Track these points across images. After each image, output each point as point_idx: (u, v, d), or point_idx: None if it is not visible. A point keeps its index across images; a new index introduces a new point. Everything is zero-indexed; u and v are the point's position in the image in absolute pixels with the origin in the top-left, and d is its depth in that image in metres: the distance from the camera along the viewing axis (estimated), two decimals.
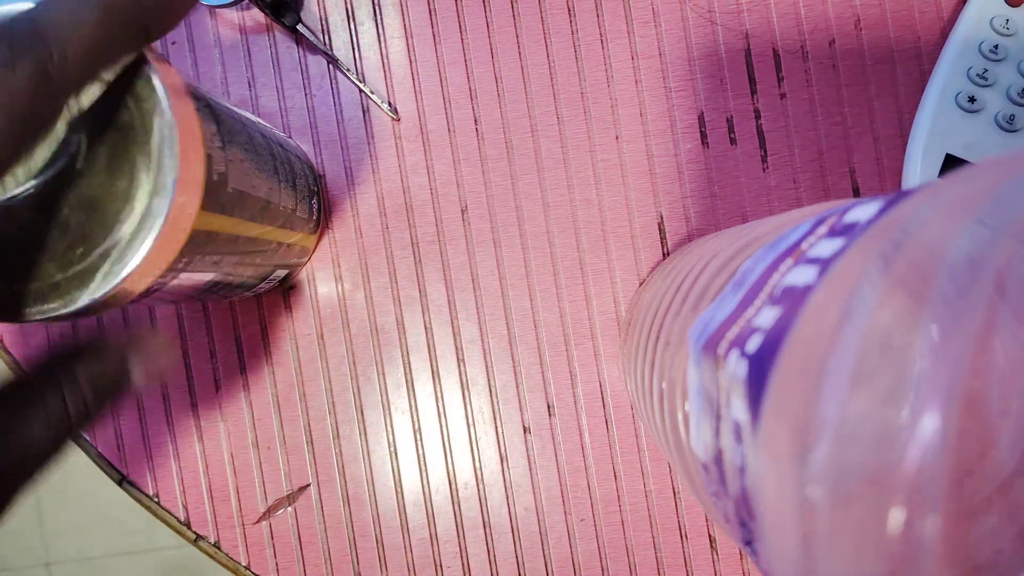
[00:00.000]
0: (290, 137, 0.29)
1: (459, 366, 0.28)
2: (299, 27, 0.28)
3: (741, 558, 0.28)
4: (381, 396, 0.28)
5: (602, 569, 0.28)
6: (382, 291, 0.29)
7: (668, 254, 0.28)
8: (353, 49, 0.29)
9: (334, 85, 0.29)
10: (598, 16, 0.29)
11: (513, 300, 0.28)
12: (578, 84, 0.29)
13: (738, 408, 0.11)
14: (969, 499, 0.08)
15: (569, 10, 0.29)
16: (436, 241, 0.29)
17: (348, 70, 0.28)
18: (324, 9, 0.29)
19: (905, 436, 0.07)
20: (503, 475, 0.28)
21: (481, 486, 0.28)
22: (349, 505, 0.28)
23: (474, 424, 0.28)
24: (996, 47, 0.27)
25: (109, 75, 0.16)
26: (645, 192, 0.29)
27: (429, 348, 0.29)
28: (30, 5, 0.15)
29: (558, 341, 0.28)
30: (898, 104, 0.28)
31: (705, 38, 0.29)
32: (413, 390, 0.28)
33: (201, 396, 0.29)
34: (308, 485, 0.28)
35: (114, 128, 0.16)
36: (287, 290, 0.29)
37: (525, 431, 0.28)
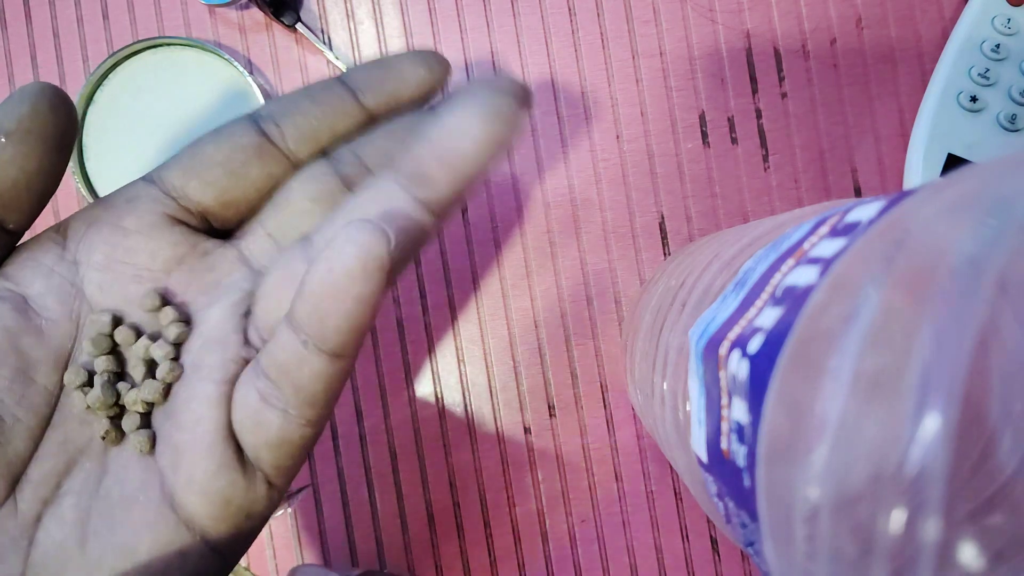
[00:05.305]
0: None
1: (459, 366, 0.28)
2: (298, 26, 0.28)
3: (743, 559, 0.28)
4: (380, 396, 0.28)
5: (603, 571, 0.28)
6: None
7: (669, 254, 0.28)
8: (353, 48, 0.29)
9: None
10: (598, 15, 0.29)
11: (513, 300, 0.28)
12: (579, 83, 0.29)
13: (739, 409, 0.11)
14: (970, 500, 0.08)
15: (569, 9, 0.29)
16: (436, 241, 0.29)
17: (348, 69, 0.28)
18: (323, 8, 0.29)
19: (906, 437, 0.07)
20: (504, 476, 0.28)
21: (482, 487, 0.28)
22: (348, 506, 0.28)
23: (474, 425, 0.28)
24: (998, 46, 0.27)
25: None
26: (646, 192, 0.28)
27: (429, 349, 0.28)
28: None
29: (559, 341, 0.28)
30: (900, 103, 0.28)
31: (706, 37, 0.29)
32: (413, 391, 0.28)
33: None
34: (307, 486, 0.28)
35: None
36: None
37: (526, 432, 0.28)
